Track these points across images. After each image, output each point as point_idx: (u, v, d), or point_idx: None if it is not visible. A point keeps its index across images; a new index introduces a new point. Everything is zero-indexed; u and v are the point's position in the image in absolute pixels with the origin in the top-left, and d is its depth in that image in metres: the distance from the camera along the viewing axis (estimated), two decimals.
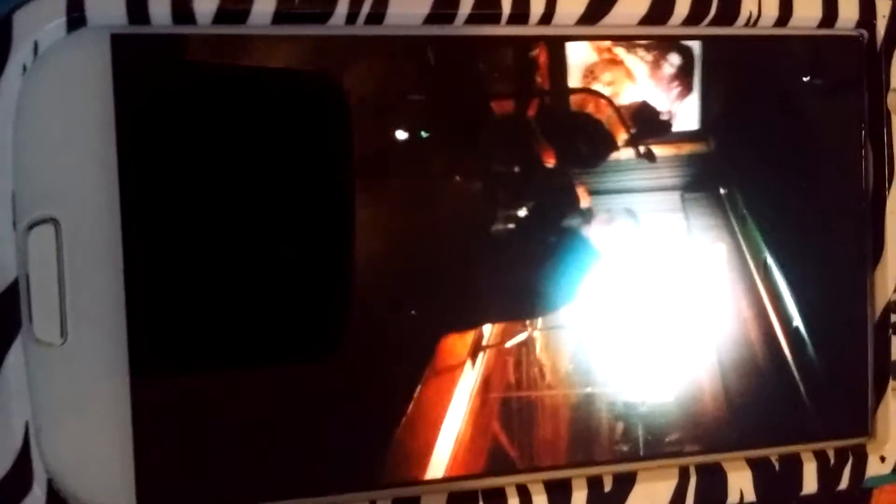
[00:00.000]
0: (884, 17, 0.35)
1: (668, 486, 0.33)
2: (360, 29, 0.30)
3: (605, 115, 0.32)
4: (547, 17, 0.31)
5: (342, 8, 0.29)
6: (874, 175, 0.35)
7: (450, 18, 0.30)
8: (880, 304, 0.35)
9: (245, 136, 0.29)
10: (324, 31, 0.30)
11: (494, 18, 0.31)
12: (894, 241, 0.35)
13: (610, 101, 0.32)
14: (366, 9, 0.29)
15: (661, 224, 0.33)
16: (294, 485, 0.30)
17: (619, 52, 0.33)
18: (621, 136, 0.33)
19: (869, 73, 0.35)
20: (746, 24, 0.33)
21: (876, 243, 0.35)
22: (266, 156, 0.29)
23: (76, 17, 0.27)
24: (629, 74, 0.33)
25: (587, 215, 0.32)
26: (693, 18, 0.33)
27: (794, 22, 0.34)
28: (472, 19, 0.30)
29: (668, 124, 0.33)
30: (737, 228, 0.34)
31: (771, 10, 0.33)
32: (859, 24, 0.35)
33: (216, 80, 0.29)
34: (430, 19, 0.30)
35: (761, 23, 0.33)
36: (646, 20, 0.32)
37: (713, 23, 0.33)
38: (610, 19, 0.32)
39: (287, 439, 0.30)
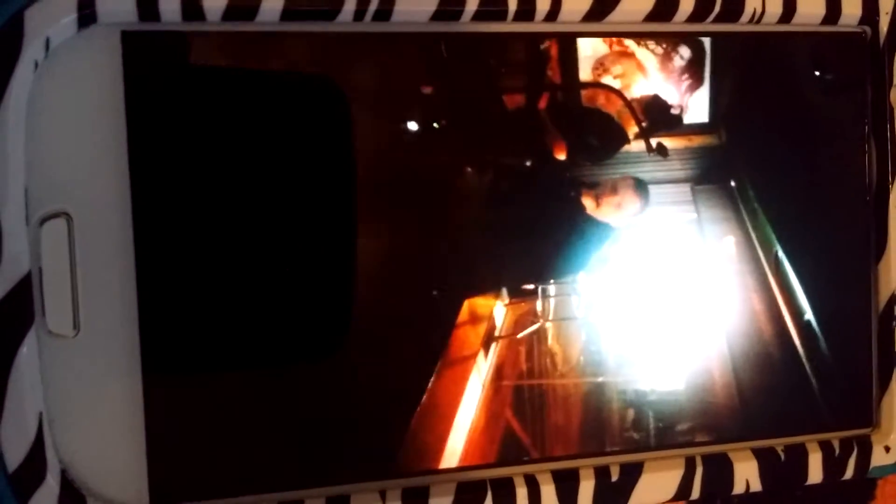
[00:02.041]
0: (887, 13, 0.35)
1: (674, 476, 0.33)
2: (368, 26, 0.30)
3: (617, 108, 0.33)
4: (553, 14, 0.31)
5: (350, 5, 0.29)
6: (877, 170, 0.35)
7: (456, 15, 0.31)
8: (884, 297, 0.35)
9: (254, 132, 0.29)
10: (332, 27, 0.30)
11: (501, 15, 0.31)
12: None
13: (621, 95, 0.33)
14: (373, 6, 0.30)
15: (672, 216, 0.33)
16: (306, 475, 0.30)
17: (630, 44, 0.33)
18: (632, 129, 0.33)
19: (872, 69, 0.35)
20: (750, 21, 0.33)
21: (879, 237, 0.35)
22: (276, 151, 0.30)
23: (87, 14, 0.28)
24: (640, 67, 0.33)
25: (598, 207, 0.33)
26: (698, 15, 0.33)
27: (797, 18, 0.34)
28: (478, 16, 0.31)
29: (678, 117, 0.33)
30: (747, 221, 0.34)
31: (775, 6, 0.33)
32: (862, 21, 0.35)
33: (226, 76, 0.29)
34: (437, 16, 0.30)
35: (765, 19, 0.34)
36: (651, 16, 0.32)
37: (717, 19, 0.33)
38: (615, 16, 0.32)
39: (300, 430, 0.30)
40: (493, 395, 0.32)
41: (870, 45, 0.35)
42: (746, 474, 0.34)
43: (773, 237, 0.34)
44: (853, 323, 0.35)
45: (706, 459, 0.33)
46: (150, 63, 0.28)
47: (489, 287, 0.32)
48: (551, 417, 0.32)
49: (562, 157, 0.32)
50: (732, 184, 0.34)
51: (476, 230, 0.32)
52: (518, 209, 0.32)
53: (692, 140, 0.34)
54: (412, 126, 0.31)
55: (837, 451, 0.35)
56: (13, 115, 0.27)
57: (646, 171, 0.33)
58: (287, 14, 0.29)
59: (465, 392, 0.32)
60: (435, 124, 0.31)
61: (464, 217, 0.32)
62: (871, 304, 0.35)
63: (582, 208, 0.32)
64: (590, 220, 0.32)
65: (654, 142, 0.33)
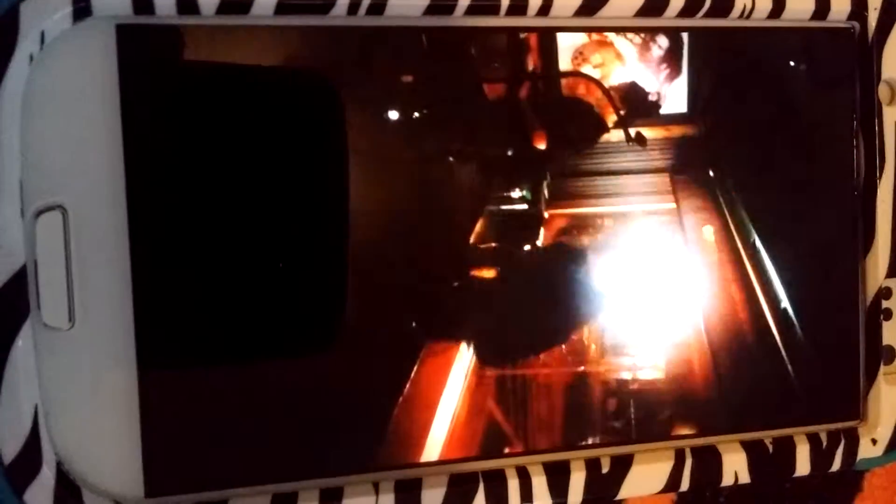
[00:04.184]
0: (875, 9, 0.35)
1: (664, 468, 0.33)
2: (362, 20, 0.30)
3: (595, 97, 0.33)
4: (545, 9, 0.32)
5: None
6: (865, 164, 0.35)
7: (449, 9, 0.31)
8: (871, 291, 0.36)
9: (249, 125, 0.29)
10: (325, 21, 0.30)
11: (493, 10, 0.31)
12: (885, 229, 0.35)
13: (600, 84, 0.33)
14: None
15: (651, 205, 0.34)
16: (296, 466, 0.30)
17: (609, 33, 0.33)
18: (611, 119, 0.33)
19: (860, 64, 0.35)
20: (741, 16, 0.34)
21: (867, 231, 0.36)
22: (270, 144, 0.30)
23: (82, 8, 0.28)
24: (618, 56, 0.33)
25: (578, 197, 0.33)
26: (688, 10, 0.33)
27: (786, 14, 0.34)
28: (471, 10, 0.31)
29: (657, 106, 0.34)
30: (726, 210, 0.34)
31: (764, 2, 0.34)
32: (851, 17, 0.35)
33: (220, 69, 0.29)
34: (431, 10, 0.30)
35: (755, 15, 0.34)
36: (642, 11, 0.33)
37: (708, 14, 0.33)
38: (607, 10, 0.32)
39: (290, 422, 0.30)
40: (475, 386, 0.32)
41: (858, 40, 0.35)
42: (735, 466, 0.34)
43: (751, 227, 0.35)
44: (840, 317, 0.35)
45: (695, 452, 0.34)
46: (145, 56, 0.28)
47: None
48: (534, 407, 0.33)
49: (541, 146, 0.32)
50: (711, 173, 0.34)
51: (460, 219, 0.32)
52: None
53: (671, 130, 0.34)
54: (393, 117, 0.31)
55: (825, 444, 0.35)
56: (8, 107, 0.27)
57: (625, 160, 0.33)
58: (281, 7, 0.29)
59: (449, 381, 0.32)
60: (415, 114, 0.31)
61: (444, 201, 0.32)
62: (858, 297, 0.36)
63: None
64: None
65: (632, 131, 0.33)
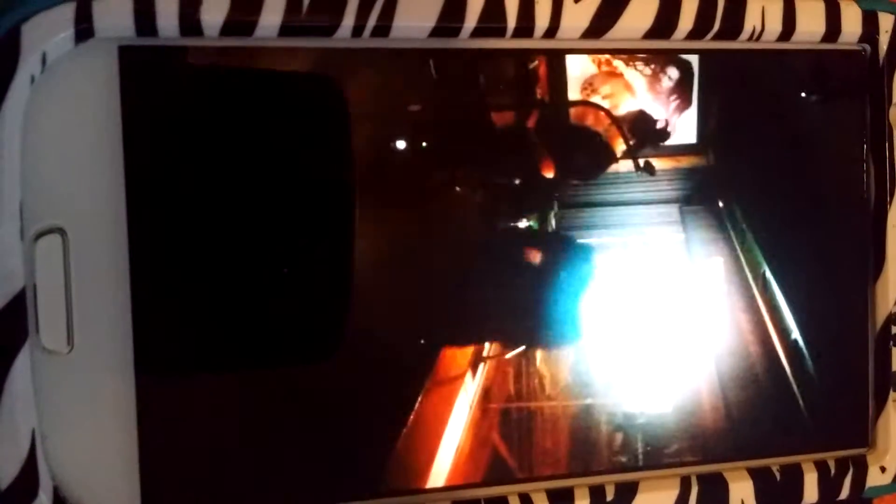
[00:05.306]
0: (886, 32, 0.35)
1: (670, 496, 0.33)
2: (366, 42, 0.30)
3: (604, 127, 0.33)
4: (552, 31, 0.31)
5: (348, 21, 0.29)
6: (876, 189, 0.35)
7: (455, 32, 0.30)
8: (881, 317, 0.35)
9: (251, 146, 0.29)
10: (330, 43, 0.30)
11: (499, 32, 0.31)
12: (895, 255, 0.35)
13: (609, 114, 0.33)
14: (372, 22, 0.30)
15: (660, 237, 0.33)
16: (298, 493, 0.30)
17: (618, 64, 0.33)
18: (620, 149, 0.33)
19: (871, 87, 0.35)
20: (750, 39, 0.33)
21: (877, 256, 0.35)
22: (272, 165, 0.30)
23: (84, 29, 0.27)
24: (628, 87, 0.33)
25: (586, 227, 0.32)
26: (697, 33, 0.33)
27: (797, 37, 0.34)
28: (477, 32, 0.31)
29: (666, 137, 0.33)
30: (735, 242, 0.34)
31: (774, 24, 0.33)
32: (862, 39, 0.35)
33: (222, 90, 0.29)
34: (436, 32, 0.30)
35: (764, 37, 0.34)
36: (650, 34, 0.32)
37: (717, 37, 0.33)
38: (614, 33, 0.32)
39: (291, 447, 0.30)
40: (480, 417, 0.32)
41: (869, 63, 0.35)
42: (742, 494, 0.34)
43: (762, 258, 0.34)
44: (849, 343, 0.35)
45: (701, 479, 0.33)
46: (148, 78, 0.28)
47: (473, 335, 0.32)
48: (539, 440, 0.32)
49: (550, 175, 0.32)
50: (720, 205, 0.34)
51: (465, 243, 0.32)
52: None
53: (680, 161, 0.34)
54: (400, 144, 0.31)
55: (833, 472, 0.35)
56: (9, 129, 0.27)
57: (634, 191, 0.33)
58: (285, 29, 0.29)
59: (453, 413, 0.32)
60: (423, 143, 0.31)
61: (451, 229, 0.32)
62: (867, 324, 0.35)
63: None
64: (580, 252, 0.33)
65: (641, 161, 0.33)
